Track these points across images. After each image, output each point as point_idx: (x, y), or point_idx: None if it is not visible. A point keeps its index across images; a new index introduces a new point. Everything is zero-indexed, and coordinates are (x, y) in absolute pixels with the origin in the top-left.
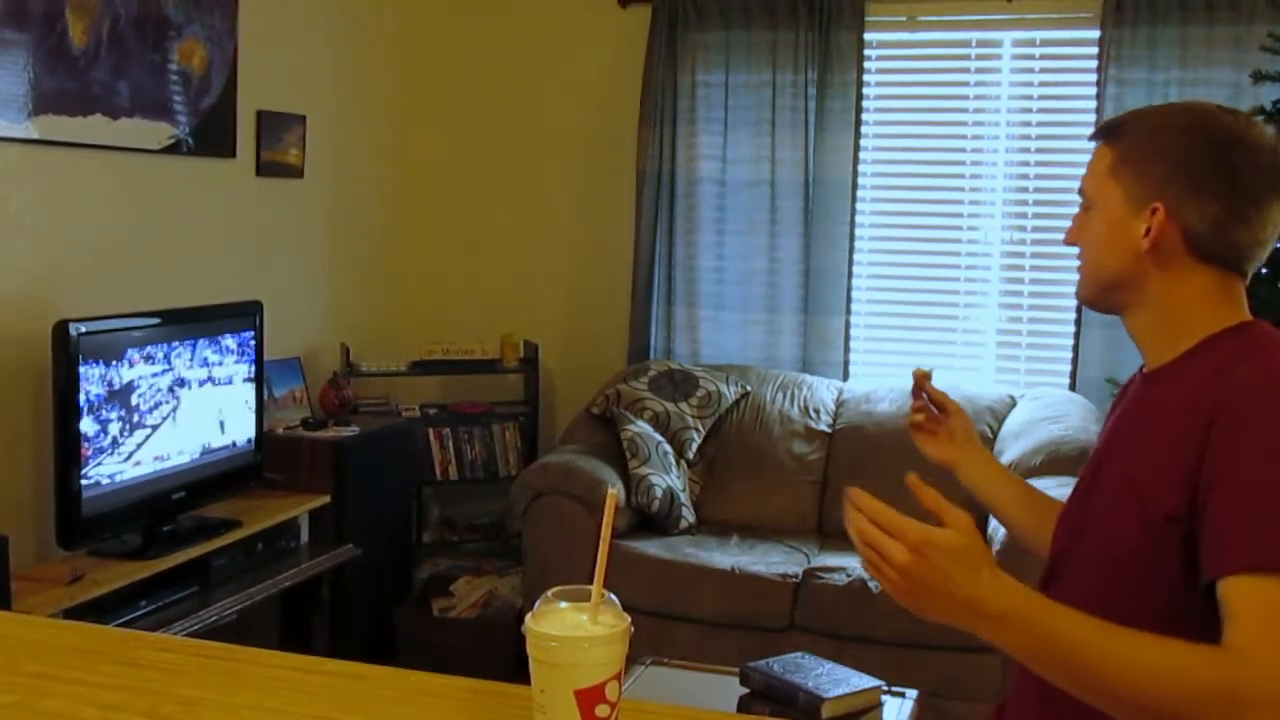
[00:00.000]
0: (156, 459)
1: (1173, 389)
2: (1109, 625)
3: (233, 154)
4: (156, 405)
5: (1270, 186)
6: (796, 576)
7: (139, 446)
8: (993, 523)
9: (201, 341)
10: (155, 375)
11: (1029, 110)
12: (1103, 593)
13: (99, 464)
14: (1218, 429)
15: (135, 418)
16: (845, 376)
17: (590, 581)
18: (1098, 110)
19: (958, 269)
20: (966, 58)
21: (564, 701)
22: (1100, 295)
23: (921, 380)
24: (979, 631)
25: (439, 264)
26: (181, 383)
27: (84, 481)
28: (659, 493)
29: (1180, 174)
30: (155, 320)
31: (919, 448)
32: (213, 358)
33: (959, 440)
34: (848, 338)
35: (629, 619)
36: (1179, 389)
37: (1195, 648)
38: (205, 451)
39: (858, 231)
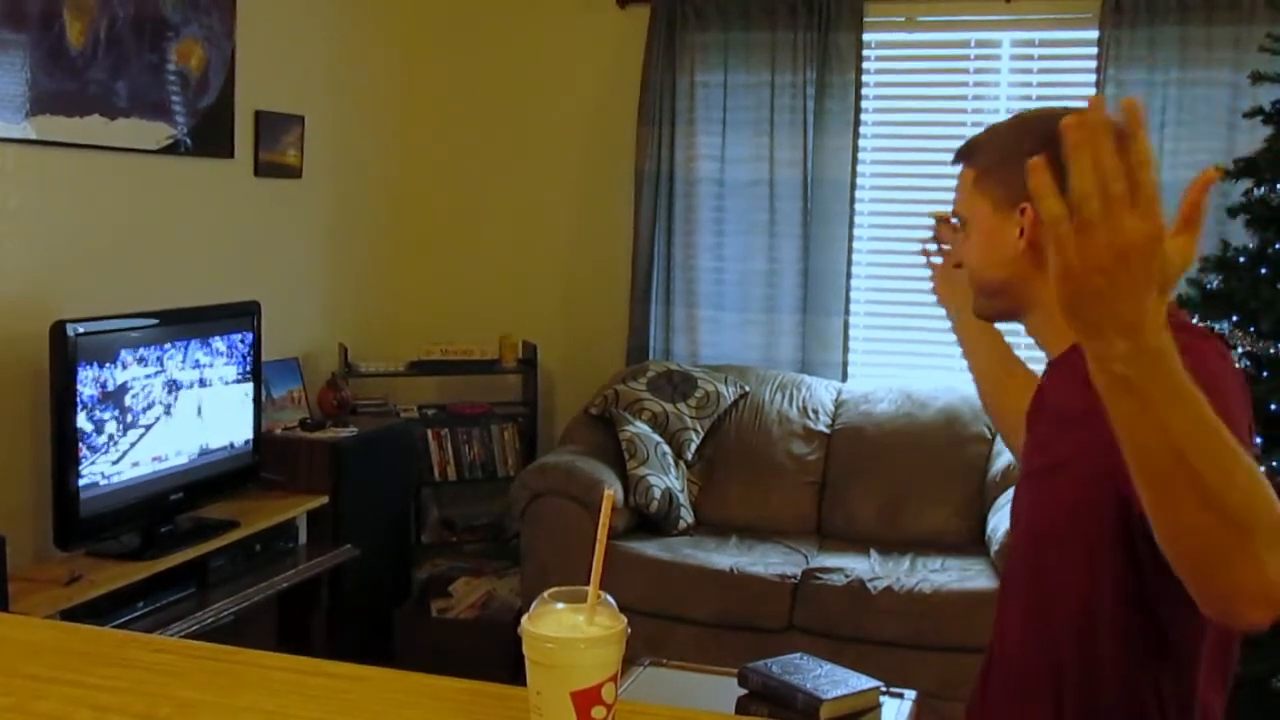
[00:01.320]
0: (154, 459)
1: (1068, 373)
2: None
3: (231, 154)
4: (154, 406)
5: None
6: (795, 577)
7: (137, 447)
8: (991, 521)
9: (199, 342)
10: (152, 376)
11: None
12: (1034, 571)
13: (97, 464)
14: None
15: (132, 418)
16: (844, 377)
17: (588, 581)
18: None
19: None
20: (965, 58)
21: (560, 703)
22: (990, 305)
23: (939, 218)
24: (1110, 357)
25: (437, 264)
26: (179, 383)
27: (82, 482)
28: (657, 493)
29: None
30: (153, 321)
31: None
32: (210, 358)
33: (959, 294)
34: (846, 338)
35: (625, 620)
36: (1074, 371)
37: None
38: (203, 452)
39: (856, 232)
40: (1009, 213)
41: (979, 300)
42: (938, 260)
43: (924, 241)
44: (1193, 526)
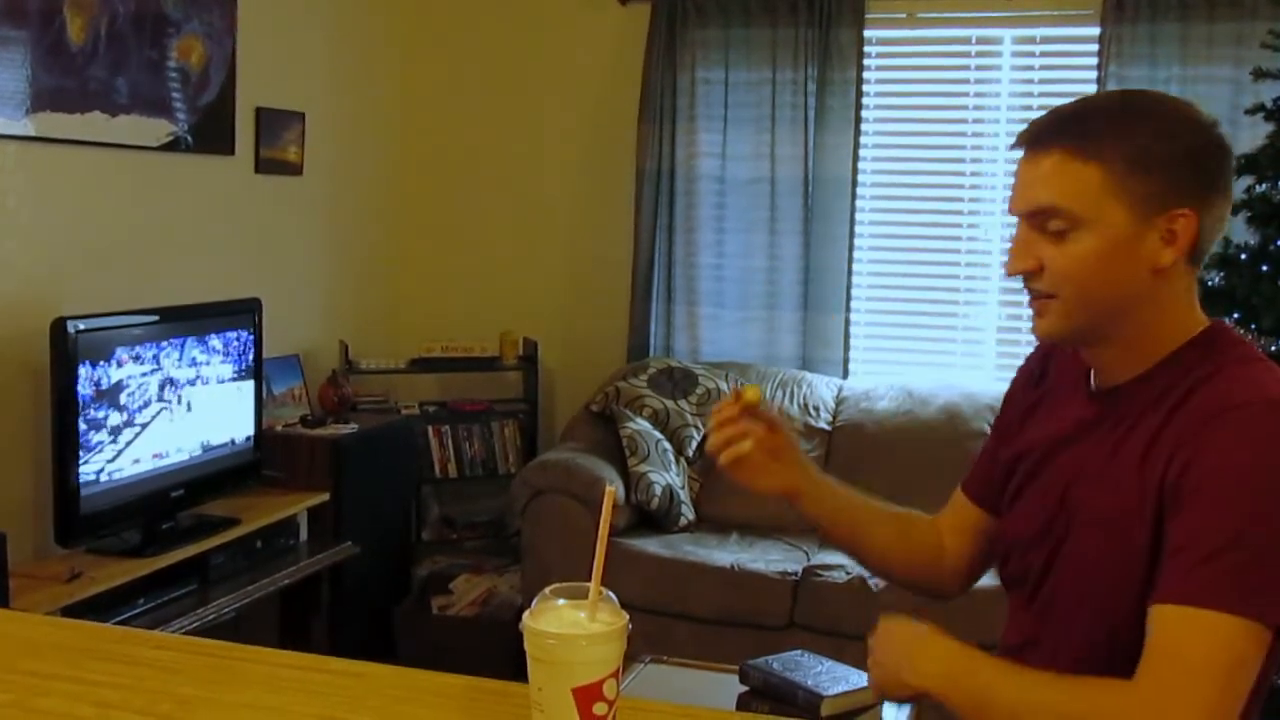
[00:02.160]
0: (155, 456)
1: (1139, 415)
2: (1027, 675)
3: (231, 151)
4: (154, 403)
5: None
6: (796, 574)
7: (137, 444)
8: None
9: (200, 339)
10: (152, 373)
11: (1029, 108)
12: (1084, 622)
13: (97, 462)
14: (1178, 463)
15: (133, 415)
16: (845, 374)
17: (589, 579)
18: None
19: (958, 266)
20: (967, 55)
21: (562, 699)
22: (1080, 325)
23: (753, 401)
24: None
25: (438, 261)
26: (179, 380)
27: (82, 479)
28: (658, 490)
29: (1201, 173)
30: (153, 318)
31: (738, 479)
32: (211, 356)
33: (791, 461)
34: (847, 335)
35: (627, 616)
36: (1145, 417)
37: (1098, 689)
38: (204, 449)
39: (857, 229)
40: (1150, 218)
41: (1075, 320)
42: (747, 445)
43: (721, 422)
44: None
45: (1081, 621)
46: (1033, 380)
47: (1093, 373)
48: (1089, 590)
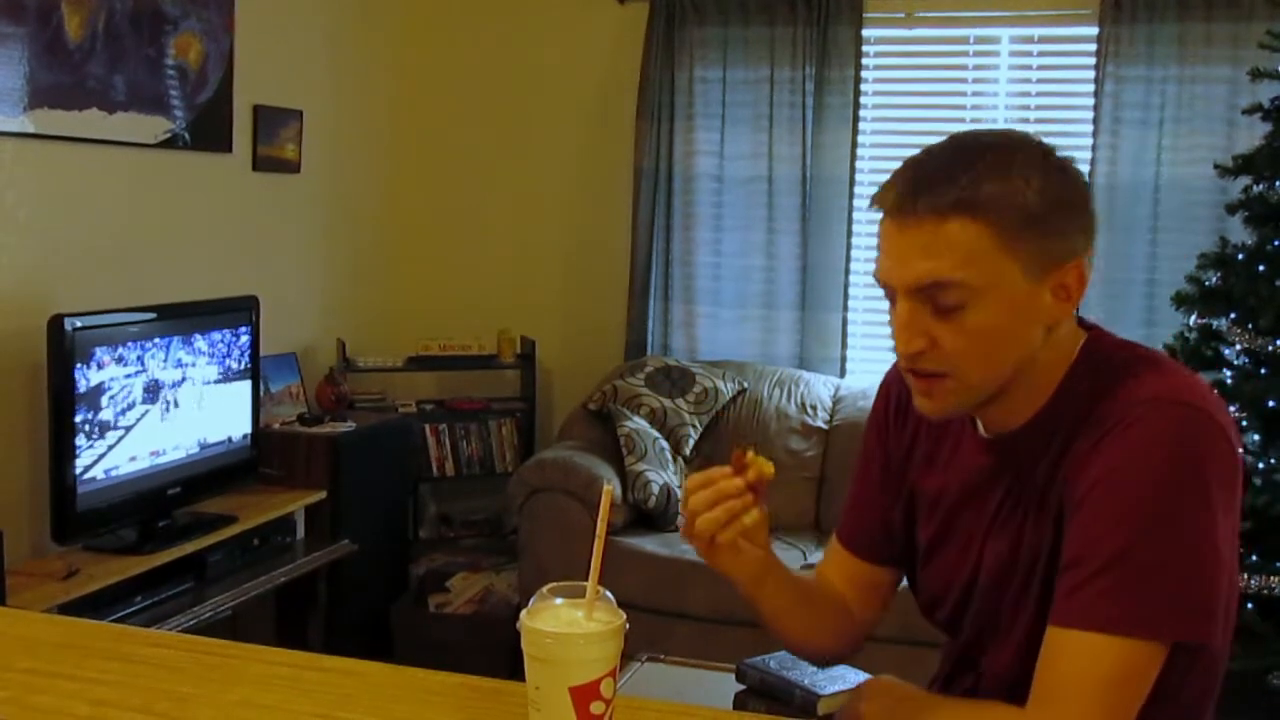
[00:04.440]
0: (152, 454)
1: (1038, 456)
2: (947, 705)
3: (229, 149)
4: (151, 400)
5: None
6: None
7: (133, 441)
8: None
9: (197, 336)
10: (149, 370)
11: (1027, 107)
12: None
13: (94, 459)
14: (1070, 484)
15: (130, 412)
16: (842, 373)
17: (587, 577)
18: (1095, 107)
19: None
20: (964, 54)
21: (559, 698)
22: (983, 399)
23: (769, 476)
24: None
25: (436, 259)
26: (176, 378)
27: (79, 476)
28: (655, 489)
29: (1082, 216)
30: (151, 315)
31: (710, 559)
32: (208, 353)
33: (761, 542)
34: (845, 334)
35: (624, 615)
36: (1043, 456)
37: (995, 715)
38: (201, 447)
39: (855, 228)
40: (1045, 273)
41: (957, 399)
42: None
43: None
44: None
45: (1028, 668)
46: (898, 417)
47: (980, 424)
48: (1026, 640)
